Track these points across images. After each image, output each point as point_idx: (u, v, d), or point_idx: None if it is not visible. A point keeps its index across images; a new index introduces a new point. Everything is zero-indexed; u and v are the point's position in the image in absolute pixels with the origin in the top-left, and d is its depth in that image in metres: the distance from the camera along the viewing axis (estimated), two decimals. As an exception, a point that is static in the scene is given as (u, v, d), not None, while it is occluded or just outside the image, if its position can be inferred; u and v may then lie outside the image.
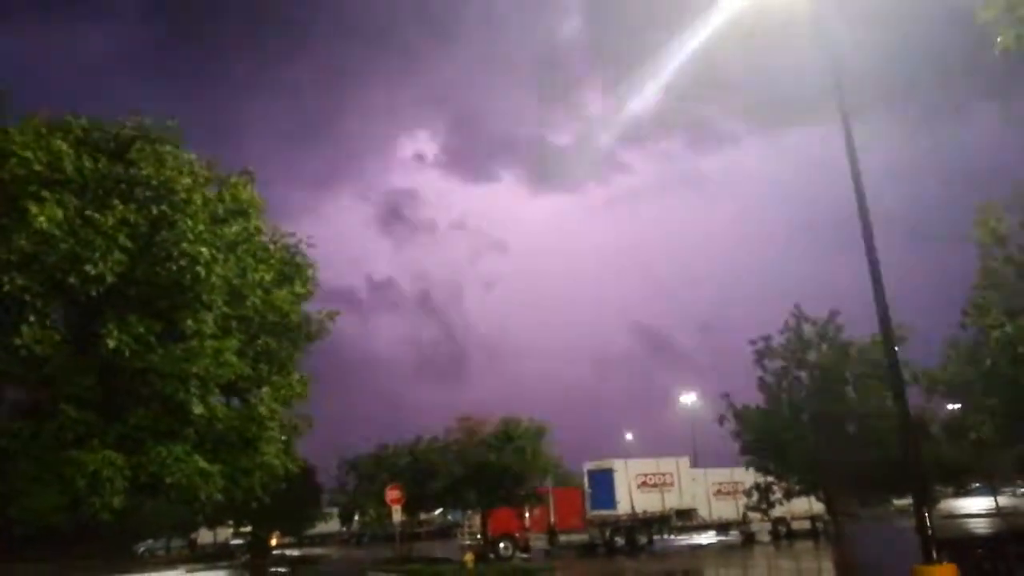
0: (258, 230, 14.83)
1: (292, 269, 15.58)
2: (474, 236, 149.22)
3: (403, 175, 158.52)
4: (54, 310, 11.88)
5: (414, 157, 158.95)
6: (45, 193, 11.60)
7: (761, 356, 21.05)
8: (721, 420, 22.41)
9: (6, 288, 11.20)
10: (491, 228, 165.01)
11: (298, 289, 15.38)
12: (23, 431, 11.87)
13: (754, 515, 28.84)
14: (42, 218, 11.17)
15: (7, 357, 11.55)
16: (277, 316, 14.63)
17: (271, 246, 15.22)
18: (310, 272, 15.82)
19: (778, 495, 24.42)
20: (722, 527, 32.63)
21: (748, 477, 28.24)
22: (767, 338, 21.41)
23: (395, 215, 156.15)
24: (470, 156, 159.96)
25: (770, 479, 23.71)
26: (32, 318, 11.50)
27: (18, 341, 11.32)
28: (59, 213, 11.47)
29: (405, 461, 31.66)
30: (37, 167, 11.74)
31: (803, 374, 19.83)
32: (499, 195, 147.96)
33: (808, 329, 20.45)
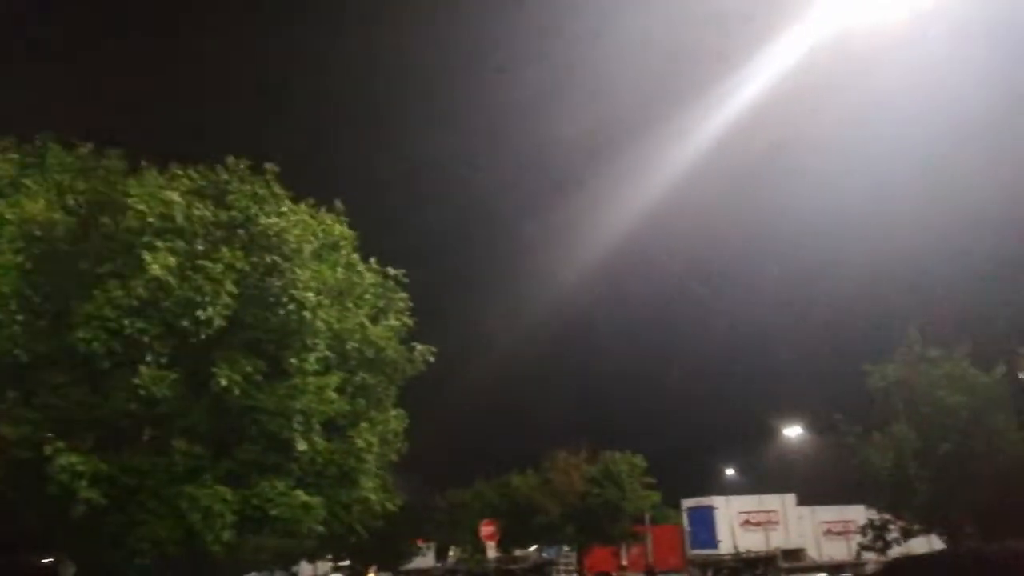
0: (351, 265, 15.27)
1: (385, 303, 15.91)
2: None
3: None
4: (168, 351, 12.46)
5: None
6: (158, 242, 12.33)
7: (882, 395, 19.80)
8: (834, 448, 21.19)
9: (127, 332, 11.89)
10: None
11: (392, 322, 15.68)
12: (143, 466, 12.45)
13: (868, 555, 27.15)
14: (155, 266, 11.86)
15: (127, 396, 12.19)
16: (373, 352, 14.95)
17: (364, 280, 15.56)
18: (402, 304, 16.10)
19: (895, 534, 22.87)
20: (834, 568, 31.01)
21: (859, 515, 26.63)
22: (883, 367, 20.16)
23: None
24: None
25: (886, 517, 22.26)
26: (149, 358, 12.13)
27: (137, 381, 11.96)
28: (172, 261, 12.15)
29: (500, 497, 31.61)
30: (151, 219, 12.48)
31: (927, 410, 18.65)
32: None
33: (932, 354, 19.26)
